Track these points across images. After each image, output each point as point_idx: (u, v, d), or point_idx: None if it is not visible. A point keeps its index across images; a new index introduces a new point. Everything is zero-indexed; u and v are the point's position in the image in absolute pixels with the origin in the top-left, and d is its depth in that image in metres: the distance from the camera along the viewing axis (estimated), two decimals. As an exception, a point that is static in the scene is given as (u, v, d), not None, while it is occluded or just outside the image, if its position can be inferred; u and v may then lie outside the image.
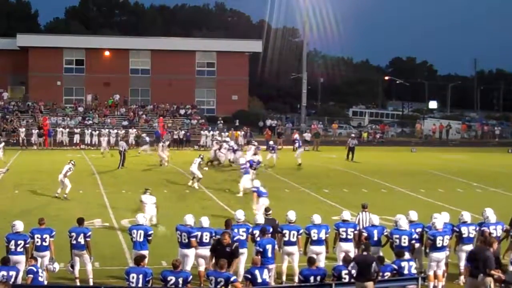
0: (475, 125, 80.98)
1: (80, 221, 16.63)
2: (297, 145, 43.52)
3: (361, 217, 17.86)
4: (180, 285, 13.45)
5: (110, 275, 16.99)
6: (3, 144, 43.55)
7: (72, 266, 16.23)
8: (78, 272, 16.22)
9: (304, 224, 16.86)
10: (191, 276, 13.98)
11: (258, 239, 16.09)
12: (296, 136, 48.40)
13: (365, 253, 14.53)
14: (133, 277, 13.56)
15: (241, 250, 16.12)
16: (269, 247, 15.61)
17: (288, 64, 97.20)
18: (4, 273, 13.54)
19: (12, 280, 13.47)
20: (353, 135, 52.82)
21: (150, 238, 16.35)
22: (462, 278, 16.34)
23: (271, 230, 16.65)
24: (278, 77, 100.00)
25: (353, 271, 14.03)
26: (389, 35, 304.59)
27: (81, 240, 16.13)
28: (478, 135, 75.95)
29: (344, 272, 14.36)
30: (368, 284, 13.83)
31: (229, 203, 25.56)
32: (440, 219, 16.44)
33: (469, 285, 14.30)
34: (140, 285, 13.49)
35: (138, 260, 13.95)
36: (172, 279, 13.49)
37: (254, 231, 16.38)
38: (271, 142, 43.87)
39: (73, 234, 16.19)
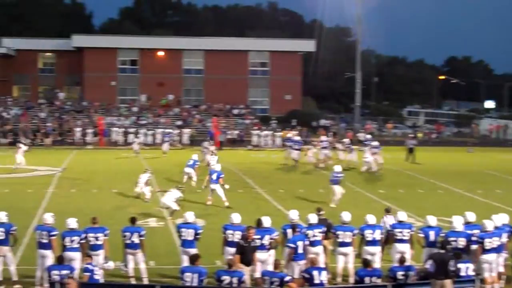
0: (533, 125, 79.31)
1: (133, 220, 16.76)
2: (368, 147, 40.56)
3: (385, 221, 18.09)
4: (234, 285, 13.42)
5: (164, 273, 17.06)
6: (24, 147, 40.38)
7: (126, 266, 16.34)
8: (132, 271, 16.31)
9: (359, 224, 16.68)
10: (245, 276, 13.92)
11: (290, 236, 16.05)
12: (369, 137, 47.01)
13: (442, 251, 14.49)
14: (188, 276, 13.57)
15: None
16: (300, 243, 15.64)
17: (342, 63, 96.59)
18: (57, 272, 13.92)
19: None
20: (410, 135, 52.03)
21: (199, 236, 16.40)
22: None
23: (323, 228, 16.56)
24: (332, 77, 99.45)
25: (431, 270, 14.02)
26: (444, 34, 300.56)
27: (135, 239, 16.24)
28: (536, 135, 74.46)
29: (399, 273, 14.23)
30: (446, 282, 13.72)
31: (284, 203, 25.38)
32: (498, 220, 16.16)
33: None
34: (195, 284, 13.49)
35: (194, 259, 13.95)
36: (226, 278, 13.46)
37: (308, 231, 16.27)
38: (346, 140, 43.06)
39: (127, 233, 16.33)
